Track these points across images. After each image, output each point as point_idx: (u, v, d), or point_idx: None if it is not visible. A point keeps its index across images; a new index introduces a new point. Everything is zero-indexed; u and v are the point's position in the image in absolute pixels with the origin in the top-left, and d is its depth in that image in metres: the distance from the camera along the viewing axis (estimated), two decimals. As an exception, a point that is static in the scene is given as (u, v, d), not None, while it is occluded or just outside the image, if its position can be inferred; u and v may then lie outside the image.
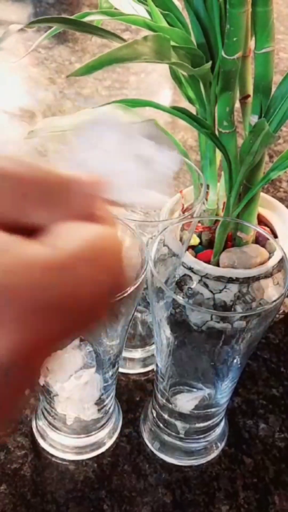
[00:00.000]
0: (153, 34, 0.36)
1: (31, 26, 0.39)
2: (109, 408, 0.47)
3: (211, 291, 0.49)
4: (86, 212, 0.21)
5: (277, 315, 0.57)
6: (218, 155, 0.50)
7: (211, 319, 0.41)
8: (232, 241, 0.52)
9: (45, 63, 0.98)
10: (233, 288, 0.49)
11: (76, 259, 0.19)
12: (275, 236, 0.54)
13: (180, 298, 0.43)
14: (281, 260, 0.47)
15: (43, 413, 0.47)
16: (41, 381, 0.44)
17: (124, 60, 0.36)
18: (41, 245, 0.19)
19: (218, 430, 0.48)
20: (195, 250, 0.53)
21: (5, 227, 0.18)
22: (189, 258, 0.50)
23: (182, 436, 0.47)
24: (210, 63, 0.43)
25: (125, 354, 0.53)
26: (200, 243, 0.54)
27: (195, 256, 0.51)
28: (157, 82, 0.96)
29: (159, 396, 0.47)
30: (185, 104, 0.48)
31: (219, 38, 0.43)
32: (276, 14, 0.42)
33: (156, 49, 0.36)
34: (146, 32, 0.41)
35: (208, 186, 0.51)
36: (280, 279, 0.48)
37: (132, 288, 0.38)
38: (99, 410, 0.46)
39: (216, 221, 0.52)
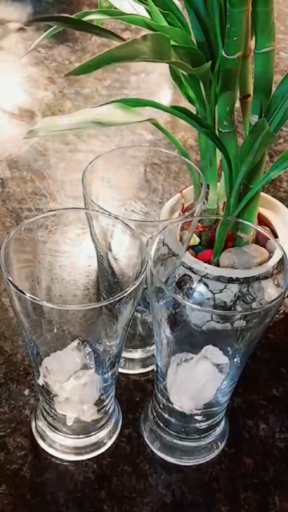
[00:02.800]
0: (152, 33, 0.36)
1: (30, 24, 0.39)
2: (109, 408, 0.47)
3: (211, 291, 0.49)
4: None
5: (277, 315, 0.57)
6: (218, 155, 0.50)
7: (211, 319, 0.40)
8: (232, 241, 0.52)
9: (45, 62, 0.98)
10: (233, 288, 0.49)
11: None
12: (276, 236, 0.54)
13: (180, 298, 0.43)
14: (281, 260, 0.47)
15: (42, 413, 0.47)
16: (41, 382, 0.44)
17: (123, 59, 0.35)
18: None
19: (218, 430, 0.48)
20: (195, 250, 0.53)
21: None
22: (189, 258, 0.50)
23: (182, 436, 0.47)
24: (210, 62, 0.43)
25: (125, 354, 0.53)
26: (200, 243, 0.54)
27: (195, 256, 0.51)
28: (157, 82, 0.96)
29: (159, 396, 0.46)
30: (185, 103, 0.48)
31: (219, 37, 0.43)
32: (276, 14, 0.42)
33: (156, 48, 0.36)
34: (146, 32, 0.40)
35: (208, 186, 0.51)
36: (280, 279, 0.48)
37: (132, 288, 0.38)
38: (98, 410, 0.46)
39: (216, 220, 0.52)
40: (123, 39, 0.41)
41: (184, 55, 0.41)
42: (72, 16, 0.39)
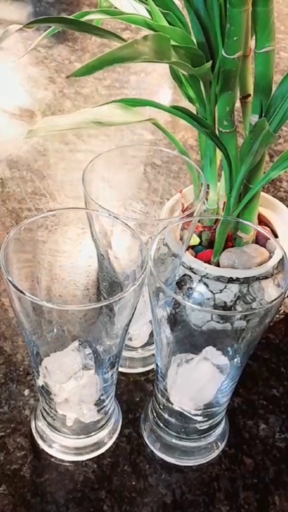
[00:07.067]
0: (153, 34, 0.36)
1: (30, 26, 0.39)
2: (109, 408, 0.47)
3: (211, 291, 0.49)
4: None
5: (277, 315, 0.57)
6: (219, 154, 0.50)
7: (211, 319, 0.40)
8: (232, 241, 0.52)
9: (45, 62, 0.98)
10: (233, 288, 0.49)
11: None
12: (276, 236, 0.54)
13: (180, 298, 0.43)
14: (282, 260, 0.47)
15: (42, 414, 0.47)
16: (40, 382, 0.44)
17: (124, 60, 0.35)
18: None
19: (219, 430, 0.48)
20: (195, 250, 0.53)
21: None
22: (189, 258, 0.50)
23: (182, 436, 0.47)
24: (210, 62, 0.43)
25: (125, 353, 0.53)
26: (200, 243, 0.54)
27: (195, 256, 0.51)
28: (157, 82, 0.96)
29: (159, 396, 0.46)
30: (185, 103, 0.48)
31: (219, 37, 0.43)
32: (276, 14, 0.42)
33: (156, 49, 0.36)
34: (146, 31, 0.40)
35: (208, 186, 0.51)
36: (280, 279, 0.48)
37: (132, 288, 0.38)
38: (98, 410, 0.46)
39: (216, 220, 0.52)
40: (120, 38, 0.41)
41: (184, 55, 0.41)
42: (72, 17, 0.39)
